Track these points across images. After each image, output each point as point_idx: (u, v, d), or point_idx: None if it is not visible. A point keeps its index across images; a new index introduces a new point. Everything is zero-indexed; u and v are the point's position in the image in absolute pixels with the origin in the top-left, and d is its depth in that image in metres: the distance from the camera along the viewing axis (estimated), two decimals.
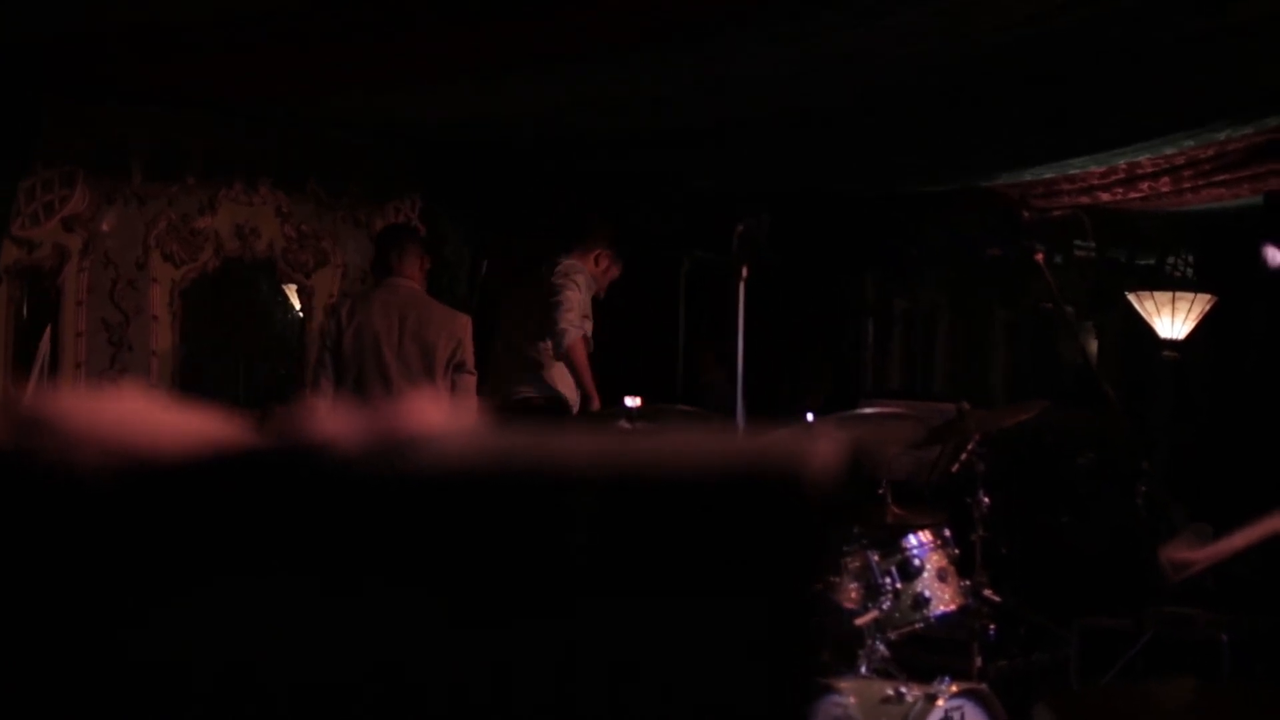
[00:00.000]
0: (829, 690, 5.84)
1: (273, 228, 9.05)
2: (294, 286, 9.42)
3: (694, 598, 1.15)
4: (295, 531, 1.12)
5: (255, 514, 1.13)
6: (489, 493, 1.14)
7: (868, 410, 7.62)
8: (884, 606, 6.32)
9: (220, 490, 1.13)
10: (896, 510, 6.65)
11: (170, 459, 1.14)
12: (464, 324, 8.20)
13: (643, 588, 1.15)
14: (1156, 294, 11.12)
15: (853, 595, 6.35)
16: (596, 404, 8.54)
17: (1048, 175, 9.89)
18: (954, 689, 5.89)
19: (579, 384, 8.72)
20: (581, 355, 8.63)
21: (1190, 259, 12.02)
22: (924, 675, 6.04)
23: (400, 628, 1.09)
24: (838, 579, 6.33)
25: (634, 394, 6.70)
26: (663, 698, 1.14)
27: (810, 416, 7.56)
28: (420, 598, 1.09)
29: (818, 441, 1.20)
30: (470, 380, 8.13)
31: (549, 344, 8.74)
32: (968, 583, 6.55)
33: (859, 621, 6.26)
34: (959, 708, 5.89)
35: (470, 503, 1.14)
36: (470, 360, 8.13)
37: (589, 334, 8.84)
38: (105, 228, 8.35)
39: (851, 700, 5.85)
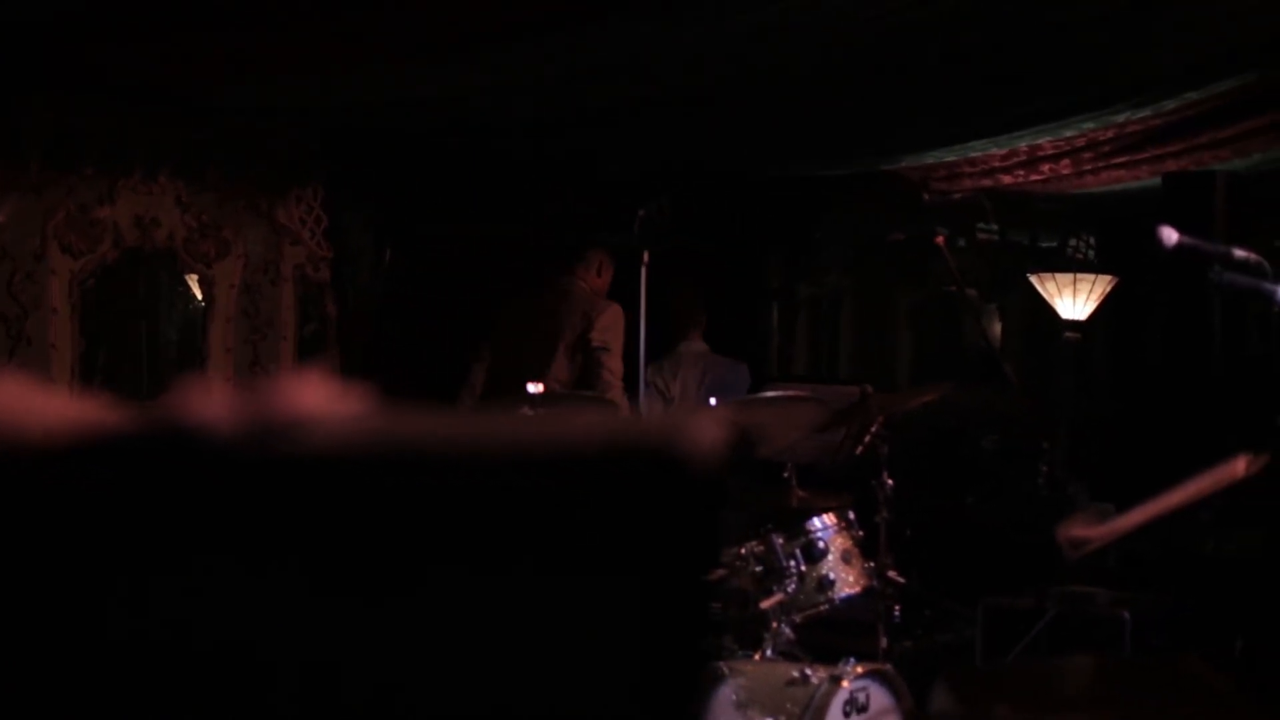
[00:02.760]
0: (731, 673, 5.86)
1: (173, 217, 8.96)
2: (195, 276, 9.34)
3: (576, 577, 1.15)
4: (170, 515, 1.11)
5: (130, 498, 1.12)
6: (369, 474, 1.14)
7: (771, 394, 7.66)
8: (789, 589, 6.35)
9: (95, 475, 1.12)
10: (800, 493, 6.68)
11: (46, 444, 1.13)
12: (604, 307, 8.35)
13: (526, 566, 1.14)
14: (1058, 275, 11.22)
15: (757, 578, 6.37)
16: None
17: (949, 158, 9.95)
18: (859, 670, 5.93)
19: None
20: None
21: (1091, 241, 12.13)
22: (829, 657, 6.07)
23: (269, 608, 1.08)
24: (741, 562, 6.35)
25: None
26: (548, 677, 1.14)
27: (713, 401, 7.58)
28: (290, 578, 1.08)
29: (701, 421, 1.20)
30: (608, 360, 8.21)
31: None
32: (872, 564, 6.59)
33: (763, 604, 6.28)
34: (864, 689, 5.93)
35: (349, 484, 1.13)
36: (610, 343, 8.16)
37: None
38: (2, 219, 8.24)
39: (756, 683, 5.87)
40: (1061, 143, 9.32)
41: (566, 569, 1.17)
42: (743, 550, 6.36)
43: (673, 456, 1.18)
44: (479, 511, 1.17)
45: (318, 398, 1.16)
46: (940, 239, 7.98)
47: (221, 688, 1.10)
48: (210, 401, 1.12)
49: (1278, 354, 8.52)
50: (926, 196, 10.44)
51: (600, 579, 1.17)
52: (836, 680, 5.82)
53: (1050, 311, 11.28)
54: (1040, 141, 9.36)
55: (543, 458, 1.20)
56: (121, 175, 8.72)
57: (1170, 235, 4.74)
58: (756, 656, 6.19)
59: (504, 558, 1.17)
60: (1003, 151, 9.64)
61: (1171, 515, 5.07)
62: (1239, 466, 4.85)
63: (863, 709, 5.88)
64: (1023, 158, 9.72)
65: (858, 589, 6.51)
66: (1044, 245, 12.31)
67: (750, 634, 6.33)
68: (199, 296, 9.39)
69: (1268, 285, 4.70)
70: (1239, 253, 4.79)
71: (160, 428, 1.15)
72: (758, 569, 6.38)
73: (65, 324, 8.53)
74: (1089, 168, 9.76)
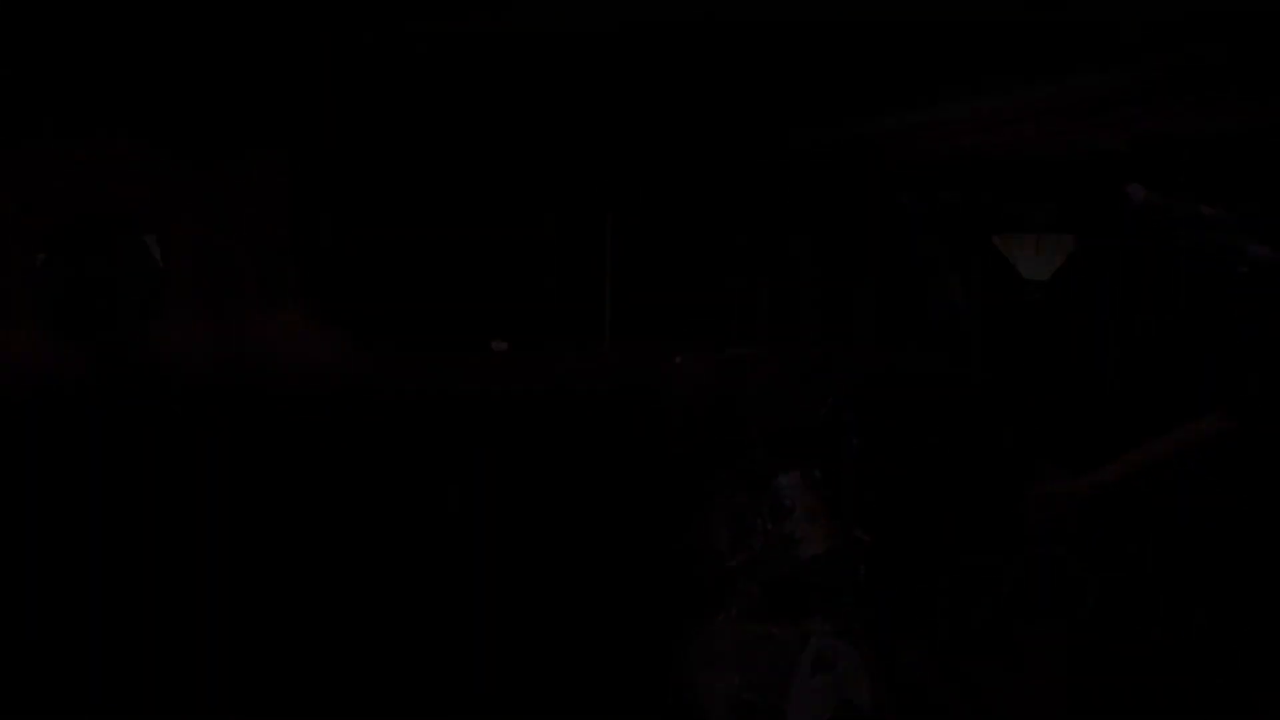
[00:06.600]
0: (700, 630, 5.86)
1: (132, 175, 8.87)
2: (155, 236, 9.27)
3: (557, 515, 1.12)
4: (145, 454, 1.08)
5: (101, 439, 1.09)
6: (340, 411, 1.11)
7: (736, 352, 7.64)
8: (755, 547, 6.33)
9: (67, 414, 1.09)
10: (767, 451, 6.66)
11: (14, 387, 1.09)
12: None
13: (507, 504, 1.11)
14: (1021, 237, 11.21)
15: (723, 537, 6.36)
16: None
17: (913, 119, 9.92)
18: (826, 628, 5.93)
19: None
20: None
21: (1056, 204, 12.12)
22: (795, 615, 6.06)
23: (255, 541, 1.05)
24: (707, 520, 6.34)
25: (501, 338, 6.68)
26: (526, 621, 1.11)
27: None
28: (263, 513, 1.06)
29: (686, 370, 1.17)
30: None
31: None
32: (839, 524, 6.58)
33: (729, 563, 6.26)
34: (831, 647, 5.93)
35: (322, 420, 1.10)
36: None
37: None
38: None
39: (722, 642, 5.86)
40: (1026, 105, 9.31)
41: (548, 507, 1.14)
42: (709, 503, 6.35)
43: (658, 403, 1.15)
44: (458, 450, 1.14)
45: (293, 339, 1.13)
46: (904, 201, 7.97)
47: (202, 620, 1.07)
48: (184, 342, 1.09)
49: (1244, 315, 8.53)
50: (889, 158, 10.42)
51: (580, 518, 1.14)
52: (803, 638, 5.82)
53: (1014, 275, 11.27)
54: (1005, 104, 9.34)
55: (526, 400, 1.17)
56: (79, 132, 8.64)
57: (1138, 192, 4.73)
58: (722, 615, 6.18)
59: (482, 496, 1.14)
60: (967, 113, 9.62)
61: (1140, 476, 5.07)
62: (1209, 428, 4.86)
63: (830, 667, 5.88)
64: (987, 120, 9.70)
65: (824, 548, 6.49)
66: (1008, 208, 12.30)
67: (716, 592, 6.32)
68: (158, 256, 9.32)
69: (1235, 245, 4.70)
70: (1207, 210, 4.78)
71: (126, 368, 1.12)
72: (724, 528, 6.37)
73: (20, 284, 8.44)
74: (1055, 130, 9.76)
